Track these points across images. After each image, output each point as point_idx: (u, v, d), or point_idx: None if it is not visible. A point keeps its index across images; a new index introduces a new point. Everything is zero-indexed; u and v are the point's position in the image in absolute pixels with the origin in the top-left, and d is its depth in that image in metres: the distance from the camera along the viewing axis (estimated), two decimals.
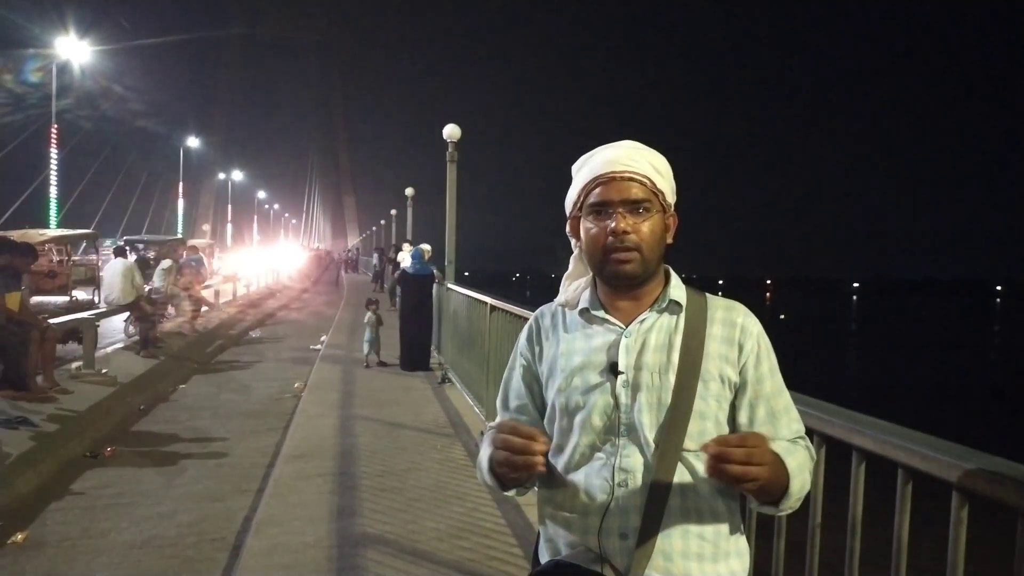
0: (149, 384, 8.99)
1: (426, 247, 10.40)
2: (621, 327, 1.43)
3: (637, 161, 1.41)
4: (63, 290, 13.50)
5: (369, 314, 10.28)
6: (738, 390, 1.41)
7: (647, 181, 1.40)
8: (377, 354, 10.02)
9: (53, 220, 28.06)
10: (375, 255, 30.07)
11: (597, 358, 1.42)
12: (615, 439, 1.37)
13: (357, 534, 4.02)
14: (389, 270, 19.76)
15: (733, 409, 1.41)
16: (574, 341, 1.46)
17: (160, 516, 4.78)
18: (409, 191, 20.50)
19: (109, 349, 10.14)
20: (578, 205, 1.46)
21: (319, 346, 12.39)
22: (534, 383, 1.53)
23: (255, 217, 77.79)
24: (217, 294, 18.16)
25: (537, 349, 1.53)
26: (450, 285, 9.37)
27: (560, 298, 1.55)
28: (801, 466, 1.34)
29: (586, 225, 1.44)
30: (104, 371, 8.45)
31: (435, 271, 10.31)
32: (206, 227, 61.20)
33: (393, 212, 31.92)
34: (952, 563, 1.47)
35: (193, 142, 47.59)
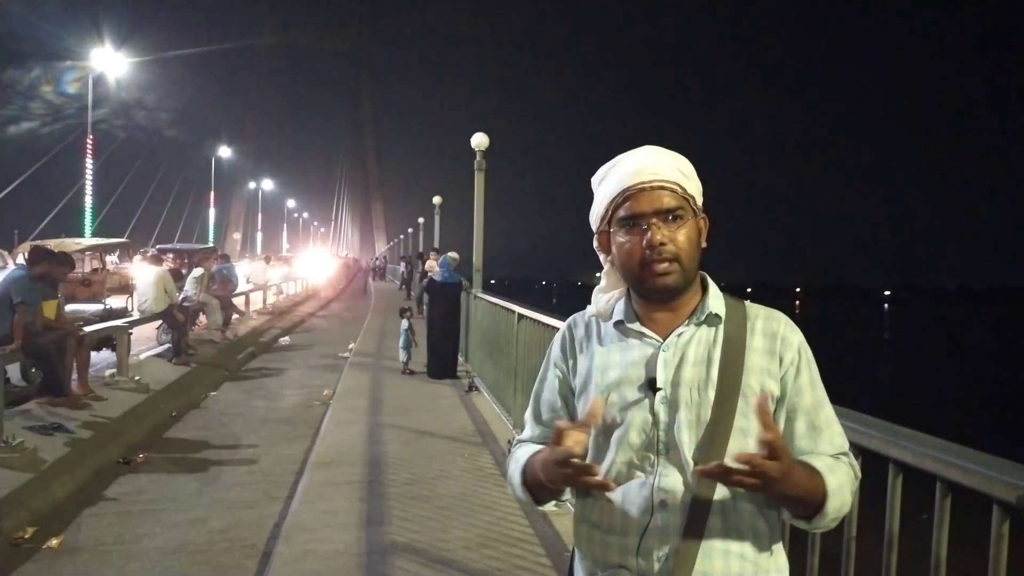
0: (181, 391, 9.09)
1: (454, 255, 10.43)
2: (659, 341, 1.37)
3: (664, 168, 1.36)
4: (97, 298, 13.72)
5: (404, 321, 10.35)
6: (777, 403, 1.35)
7: (677, 188, 1.35)
8: (406, 362, 10.06)
9: (88, 229, 28.56)
10: (403, 263, 30.21)
11: (634, 373, 1.36)
12: (653, 457, 1.33)
13: (386, 542, 4.03)
14: (417, 278, 19.84)
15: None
16: (609, 355, 1.40)
17: (192, 522, 4.83)
18: (437, 199, 20.60)
19: (142, 356, 10.28)
20: (606, 219, 1.41)
21: (347, 353, 12.46)
22: (569, 395, 1.48)
23: (284, 225, 78.63)
24: (248, 302, 18.36)
25: (571, 361, 1.47)
26: (478, 293, 9.39)
27: (592, 309, 1.49)
28: (842, 486, 1.29)
29: (619, 240, 1.38)
30: (137, 378, 8.56)
31: (463, 280, 10.34)
32: (237, 235, 61.95)
33: (421, 220, 32.05)
34: None
35: (224, 151, 48.25)
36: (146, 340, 11.87)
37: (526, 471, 1.41)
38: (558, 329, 5.15)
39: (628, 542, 1.32)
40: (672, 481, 1.31)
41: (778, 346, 1.36)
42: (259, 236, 68.02)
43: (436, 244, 19.19)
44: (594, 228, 1.45)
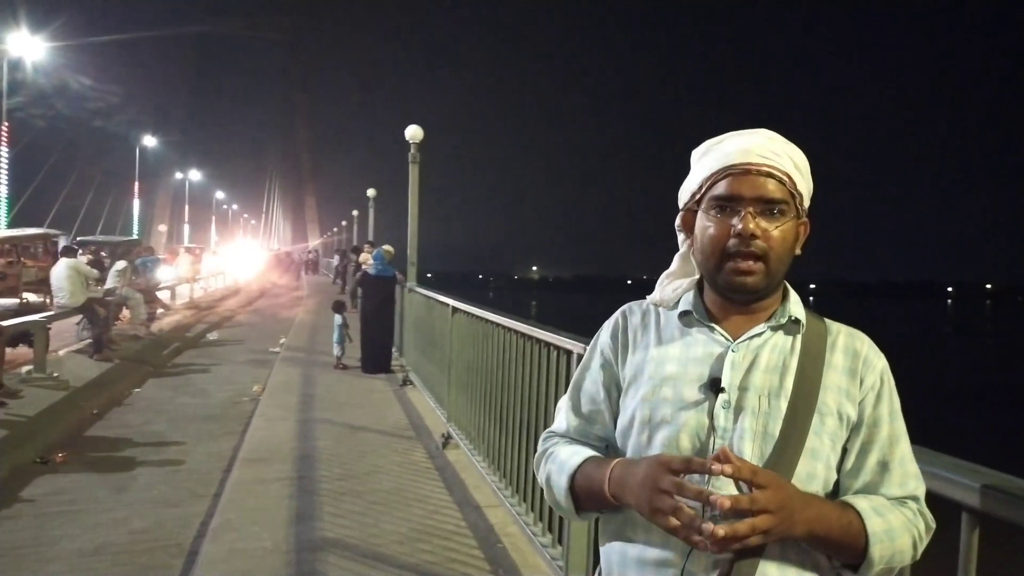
0: (103, 388, 8.79)
1: (388, 248, 10.34)
2: (728, 339, 1.23)
3: (778, 154, 1.20)
4: (13, 292, 13.15)
5: (337, 315, 10.22)
6: (852, 431, 1.21)
7: (786, 179, 1.20)
8: (340, 357, 9.95)
9: (3, 220, 27.33)
10: (336, 256, 29.82)
11: (695, 370, 1.21)
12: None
13: (316, 538, 3.98)
14: (351, 271, 19.61)
15: (843, 452, 1.21)
16: (669, 347, 1.26)
17: (113, 523, 4.68)
18: (371, 192, 20.39)
19: (61, 352, 9.90)
20: (697, 196, 1.26)
21: (278, 349, 12.24)
22: (613, 387, 1.32)
23: (213, 217, 76.65)
24: (173, 295, 17.86)
25: (622, 348, 1.32)
26: (413, 286, 9.33)
27: (655, 296, 1.35)
28: (891, 530, 1.14)
29: (705, 222, 1.23)
30: (55, 375, 8.25)
31: (397, 273, 10.26)
32: (163, 227, 60.13)
33: (355, 213, 31.70)
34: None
35: (150, 141, 46.69)
36: (66, 335, 11.43)
37: (576, 478, 1.25)
38: (493, 323, 5.11)
39: (671, 561, 1.16)
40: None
41: (860, 367, 1.22)
42: (186, 228, 66.16)
43: (370, 237, 19.00)
44: (681, 204, 1.31)
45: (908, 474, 1.21)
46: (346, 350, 10.07)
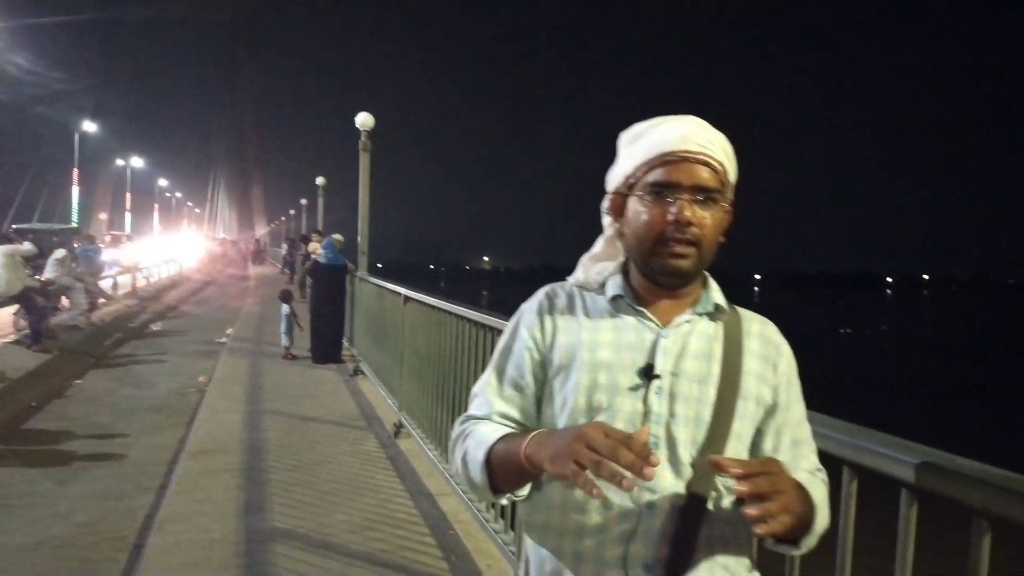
0: (41, 379, 8.54)
1: (338, 237, 10.23)
2: (659, 325, 1.24)
3: (713, 143, 1.21)
4: None
5: (285, 305, 10.09)
6: (766, 413, 1.25)
7: (720, 168, 1.21)
8: (289, 347, 9.83)
9: None
10: (284, 246, 29.39)
11: (628, 356, 1.22)
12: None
13: (266, 529, 3.94)
14: (300, 260, 19.34)
15: (758, 434, 1.25)
16: (600, 331, 1.25)
17: (55, 517, 4.56)
18: (320, 180, 20.12)
19: None
20: (630, 181, 1.25)
21: (224, 339, 12.03)
22: (538, 370, 1.29)
23: (156, 206, 74.81)
24: (115, 285, 17.40)
25: (549, 331, 1.29)
26: (364, 276, 9.26)
27: (578, 277, 1.34)
28: (824, 500, 1.21)
29: (638, 207, 1.22)
30: None
31: (348, 263, 10.17)
32: (103, 216, 58.48)
33: (303, 202, 31.27)
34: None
35: (90, 127, 45.25)
36: (2, 326, 11.06)
37: (494, 451, 1.22)
38: (447, 311, 5.09)
39: (607, 550, 1.16)
40: (664, 482, 1.17)
41: (773, 353, 1.27)
42: (128, 217, 64.43)
43: (320, 226, 18.77)
44: (610, 187, 1.30)
45: (812, 450, 1.29)
46: (295, 340, 9.95)
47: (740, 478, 1.00)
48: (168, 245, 35.96)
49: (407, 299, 6.01)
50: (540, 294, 1.35)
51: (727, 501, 1.20)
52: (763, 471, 1.02)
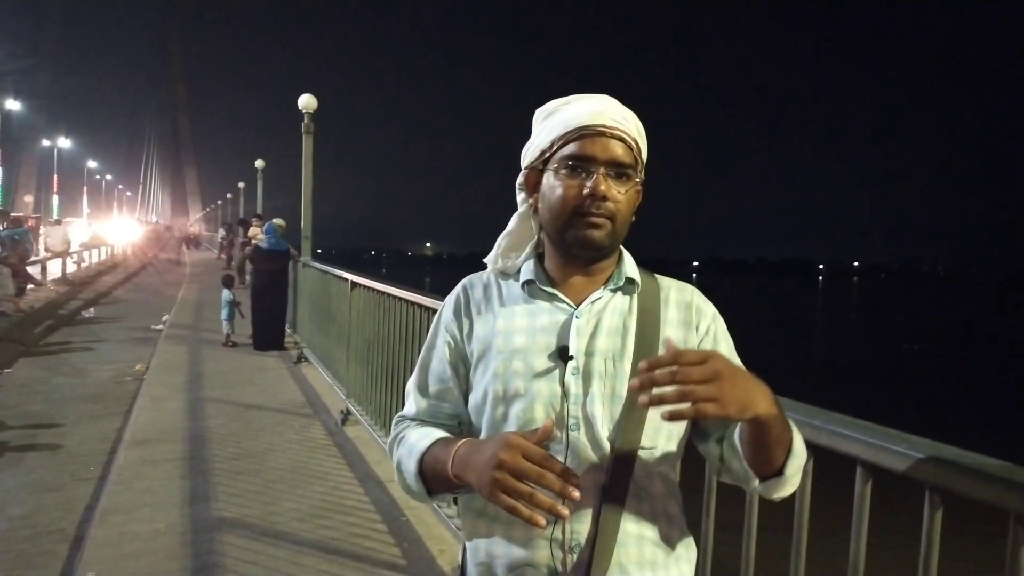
0: None
1: (279, 222, 10.04)
2: (571, 306, 1.25)
3: (627, 120, 1.22)
4: None
5: (226, 291, 9.87)
6: None
7: (634, 145, 1.22)
8: (230, 334, 9.63)
9: None
10: (222, 230, 28.72)
11: (542, 340, 1.22)
12: (562, 434, 1.17)
13: (212, 519, 3.87)
14: (238, 245, 18.92)
15: None
16: (514, 318, 1.25)
17: None
18: (259, 163, 19.67)
19: None
20: (545, 155, 1.25)
21: (161, 326, 11.72)
22: (460, 364, 1.30)
23: (85, 188, 72.23)
24: (44, 270, 16.78)
25: (467, 324, 1.30)
26: (308, 261, 9.11)
27: (496, 262, 1.34)
28: (803, 446, 1.17)
29: (553, 181, 1.23)
30: None
31: (290, 248, 9.99)
32: (28, 198, 56.29)
33: (241, 185, 30.53)
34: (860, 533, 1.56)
35: (13, 105, 43.37)
36: None
37: (425, 460, 1.22)
38: (393, 296, 5.06)
39: (537, 533, 1.16)
40: (585, 460, 1.17)
41: (693, 316, 1.28)
42: (55, 199, 62.08)
43: (259, 210, 18.38)
44: (524, 163, 1.30)
45: None
46: (236, 327, 9.75)
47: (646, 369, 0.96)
48: (97, 229, 34.71)
49: (354, 284, 5.95)
50: (457, 287, 1.35)
51: (653, 475, 1.20)
52: (690, 361, 0.97)
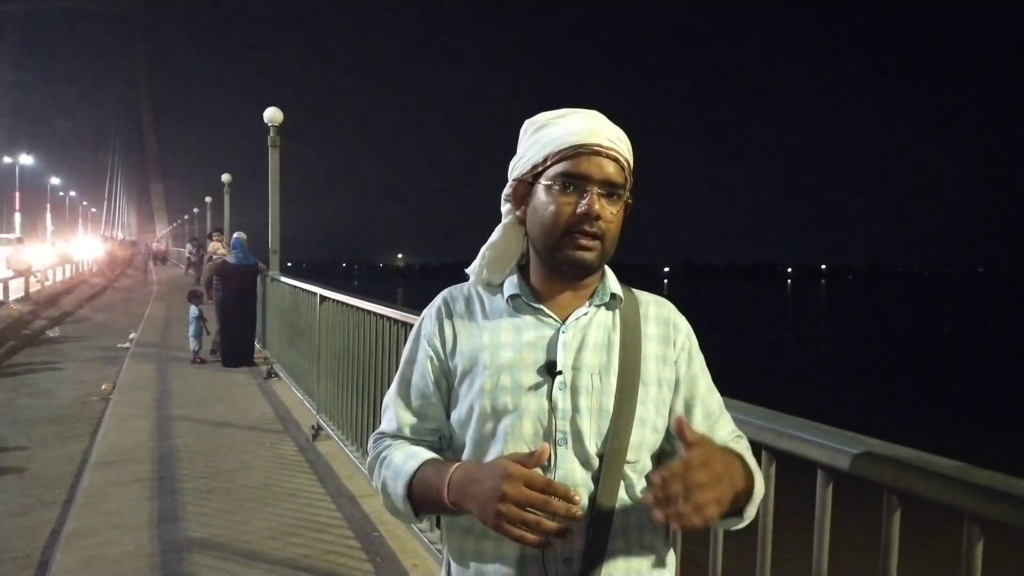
0: None
1: (241, 235, 9.93)
2: (557, 321, 1.25)
3: (620, 139, 1.23)
4: None
5: (193, 307, 9.75)
6: (673, 392, 1.28)
7: (626, 165, 1.23)
8: (198, 351, 9.52)
9: None
10: (189, 246, 28.40)
11: (529, 355, 1.22)
12: (551, 449, 1.17)
13: (182, 539, 3.82)
14: (206, 260, 18.70)
15: (671, 413, 1.27)
16: (500, 333, 1.25)
17: None
18: (226, 177, 19.48)
19: None
20: (537, 170, 1.24)
21: (127, 344, 11.56)
22: (443, 378, 1.29)
23: (48, 205, 71.09)
24: (6, 289, 16.47)
25: (450, 338, 1.29)
26: (276, 276, 9.04)
27: (480, 273, 1.33)
28: (756, 466, 1.23)
29: (544, 197, 1.22)
30: None
31: (259, 262, 9.91)
32: None
33: (208, 200, 30.22)
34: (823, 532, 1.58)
35: None
36: None
37: (414, 484, 1.22)
38: (365, 310, 5.03)
39: (527, 550, 1.15)
40: (573, 475, 1.18)
41: (671, 332, 1.29)
42: (17, 217, 61.01)
43: (226, 225, 18.19)
44: (513, 175, 1.29)
45: (728, 418, 1.32)
46: (204, 343, 9.65)
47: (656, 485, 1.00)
48: (62, 247, 34.14)
49: (323, 298, 5.91)
50: (438, 299, 1.34)
51: (637, 488, 1.22)
52: (682, 472, 0.99)
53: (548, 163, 1.22)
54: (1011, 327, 44.92)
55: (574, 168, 1.20)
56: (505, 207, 1.32)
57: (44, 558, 3.98)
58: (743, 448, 1.26)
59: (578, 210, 1.19)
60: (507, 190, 1.30)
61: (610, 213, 1.20)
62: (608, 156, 1.20)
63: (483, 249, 1.33)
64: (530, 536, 1.04)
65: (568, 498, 1.05)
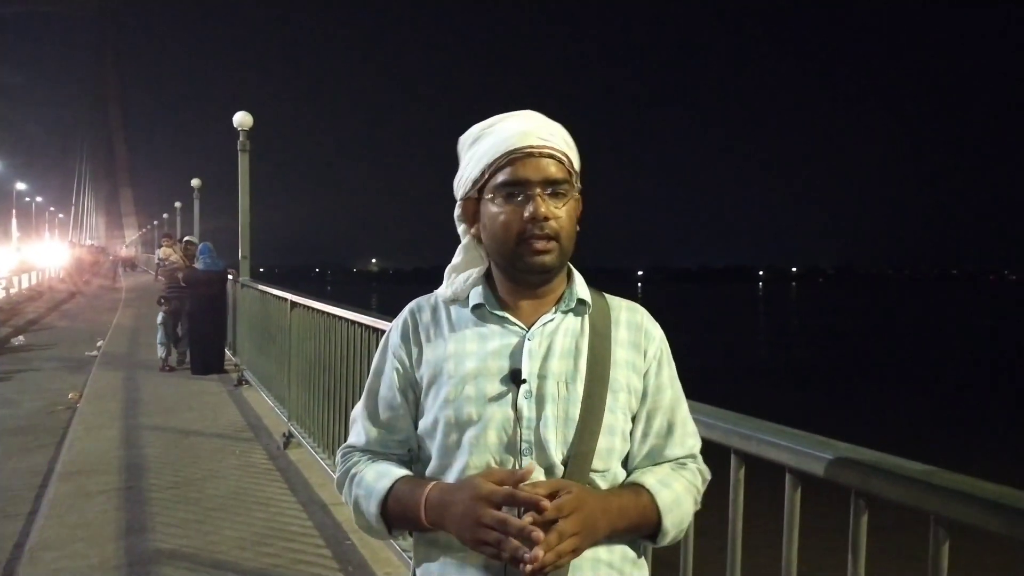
0: None
1: (192, 238, 9.78)
2: (523, 328, 1.23)
3: (554, 135, 1.21)
4: None
5: (161, 313, 9.63)
6: (640, 400, 1.26)
7: (565, 159, 1.21)
8: (167, 358, 9.40)
9: None
10: (159, 251, 28.08)
11: (495, 364, 1.20)
12: (516, 459, 1.17)
13: (149, 550, 3.76)
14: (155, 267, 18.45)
15: (633, 421, 1.25)
16: (465, 342, 1.24)
17: None
18: (196, 182, 19.27)
19: None
20: (479, 185, 1.23)
21: (95, 352, 11.38)
22: (409, 390, 1.28)
23: (13, 211, 69.89)
24: None
25: (415, 349, 1.28)
26: (246, 282, 8.95)
27: (444, 289, 1.31)
28: (678, 499, 1.22)
29: (492, 209, 1.21)
30: None
31: (228, 268, 9.81)
32: None
33: (177, 205, 29.86)
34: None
35: None
36: None
37: (388, 503, 1.21)
38: (336, 316, 5.00)
39: (491, 561, 1.14)
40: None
41: (642, 339, 1.28)
42: None
43: (196, 230, 17.99)
44: (459, 195, 1.28)
45: (688, 433, 1.29)
46: (173, 350, 9.52)
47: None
48: (26, 254, 33.57)
49: (294, 304, 5.86)
50: (405, 311, 1.33)
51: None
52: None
53: (487, 176, 1.21)
54: (979, 328, 45.75)
55: (512, 175, 1.18)
56: (460, 228, 1.31)
57: (8, 571, 3.89)
58: (670, 479, 1.23)
59: (525, 216, 1.17)
60: (457, 211, 1.29)
61: (558, 211, 1.19)
62: (544, 155, 1.19)
63: (447, 271, 1.32)
64: (506, 553, 1.06)
65: (540, 511, 1.07)
